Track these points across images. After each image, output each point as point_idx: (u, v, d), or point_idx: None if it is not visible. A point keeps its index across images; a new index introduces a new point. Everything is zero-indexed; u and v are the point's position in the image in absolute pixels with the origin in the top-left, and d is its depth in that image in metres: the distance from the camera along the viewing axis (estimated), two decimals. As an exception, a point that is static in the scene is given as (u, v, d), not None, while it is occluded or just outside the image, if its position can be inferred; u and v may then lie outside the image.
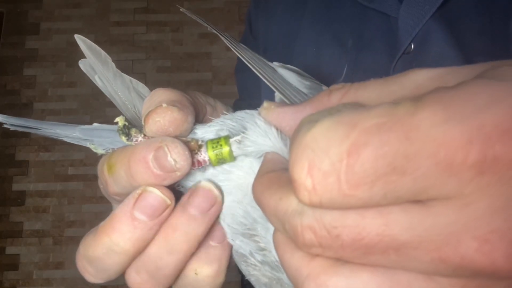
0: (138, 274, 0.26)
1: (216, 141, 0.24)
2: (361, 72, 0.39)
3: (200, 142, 0.25)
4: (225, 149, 0.24)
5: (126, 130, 0.25)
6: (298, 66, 0.38)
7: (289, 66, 0.26)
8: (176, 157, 0.22)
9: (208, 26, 0.27)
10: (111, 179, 0.24)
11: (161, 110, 0.23)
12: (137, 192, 0.23)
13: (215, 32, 0.27)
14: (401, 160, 0.14)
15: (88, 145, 0.27)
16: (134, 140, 0.25)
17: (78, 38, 0.28)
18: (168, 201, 0.23)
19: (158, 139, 0.23)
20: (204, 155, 0.24)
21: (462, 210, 0.14)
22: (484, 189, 0.14)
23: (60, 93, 2.39)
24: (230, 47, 0.26)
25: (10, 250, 2.18)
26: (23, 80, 2.40)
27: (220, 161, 0.25)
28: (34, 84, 2.40)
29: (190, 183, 0.26)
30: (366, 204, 0.15)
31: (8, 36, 2.45)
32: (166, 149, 0.22)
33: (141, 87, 0.29)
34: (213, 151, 0.24)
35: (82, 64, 0.29)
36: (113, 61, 0.32)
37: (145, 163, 0.22)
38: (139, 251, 0.24)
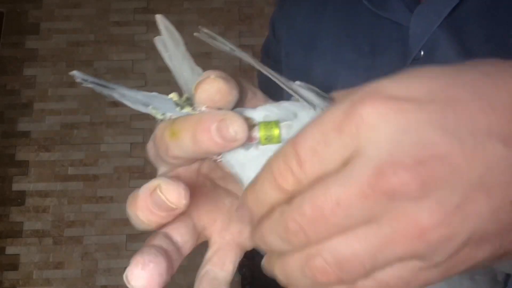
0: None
1: (268, 123, 0.27)
2: (376, 77, 0.40)
3: (254, 122, 0.27)
4: (276, 131, 0.27)
5: (186, 101, 0.28)
6: (318, 70, 0.42)
7: (309, 86, 0.28)
8: (237, 128, 0.24)
9: (231, 47, 0.29)
10: (174, 144, 0.26)
11: (209, 80, 0.26)
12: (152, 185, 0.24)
13: (233, 51, 0.28)
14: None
15: (149, 110, 0.29)
16: (197, 110, 0.27)
17: (159, 17, 0.30)
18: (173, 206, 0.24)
19: (222, 112, 0.25)
20: (256, 133, 0.27)
21: (381, 229, 0.17)
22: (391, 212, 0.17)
23: (60, 93, 2.39)
24: (257, 66, 0.28)
25: (10, 250, 2.18)
26: (23, 80, 2.40)
27: (268, 141, 0.27)
28: (34, 84, 2.40)
29: (231, 157, 0.28)
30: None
31: (8, 36, 2.45)
32: (228, 121, 0.24)
33: (201, 71, 0.32)
34: (265, 131, 0.27)
35: (157, 41, 0.31)
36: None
37: (208, 132, 0.24)
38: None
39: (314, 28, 0.48)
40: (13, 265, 2.17)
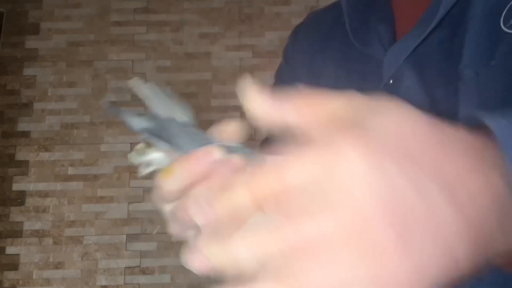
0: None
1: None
2: None
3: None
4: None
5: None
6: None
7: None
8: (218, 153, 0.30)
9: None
10: (167, 182, 0.30)
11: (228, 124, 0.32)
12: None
13: None
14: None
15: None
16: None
17: (133, 81, 0.35)
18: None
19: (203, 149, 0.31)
20: None
21: None
22: None
23: (60, 93, 2.39)
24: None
25: (10, 250, 2.18)
26: (23, 80, 2.40)
27: None
28: (34, 84, 2.40)
29: None
30: None
31: (8, 36, 2.45)
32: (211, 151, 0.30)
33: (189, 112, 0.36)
34: None
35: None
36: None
37: (202, 158, 0.29)
38: None
39: (320, 61, 0.62)
40: (13, 265, 2.17)
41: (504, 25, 0.42)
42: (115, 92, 2.37)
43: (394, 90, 0.50)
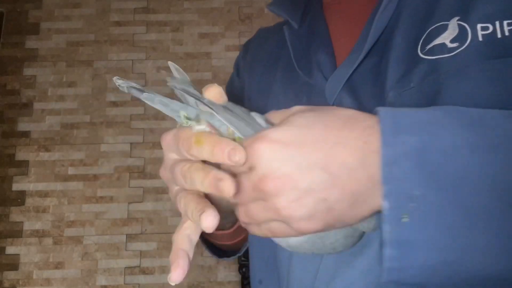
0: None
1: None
2: None
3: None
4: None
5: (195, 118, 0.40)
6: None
7: (261, 115, 0.42)
8: (241, 156, 0.36)
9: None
10: (196, 148, 0.38)
11: (214, 86, 0.41)
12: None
13: None
14: None
15: (180, 115, 0.42)
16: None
17: (170, 63, 0.43)
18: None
19: (233, 143, 0.37)
20: None
21: (262, 204, 0.36)
22: None
23: (60, 93, 2.39)
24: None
25: (10, 250, 2.18)
26: (23, 80, 2.40)
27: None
28: (34, 84, 2.40)
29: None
30: None
31: (8, 36, 2.45)
32: (237, 150, 0.36)
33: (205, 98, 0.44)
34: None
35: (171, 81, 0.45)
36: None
37: (223, 152, 0.36)
38: None
39: (268, 80, 0.66)
40: (13, 265, 2.17)
41: (421, 51, 0.47)
42: (115, 92, 2.37)
43: None
